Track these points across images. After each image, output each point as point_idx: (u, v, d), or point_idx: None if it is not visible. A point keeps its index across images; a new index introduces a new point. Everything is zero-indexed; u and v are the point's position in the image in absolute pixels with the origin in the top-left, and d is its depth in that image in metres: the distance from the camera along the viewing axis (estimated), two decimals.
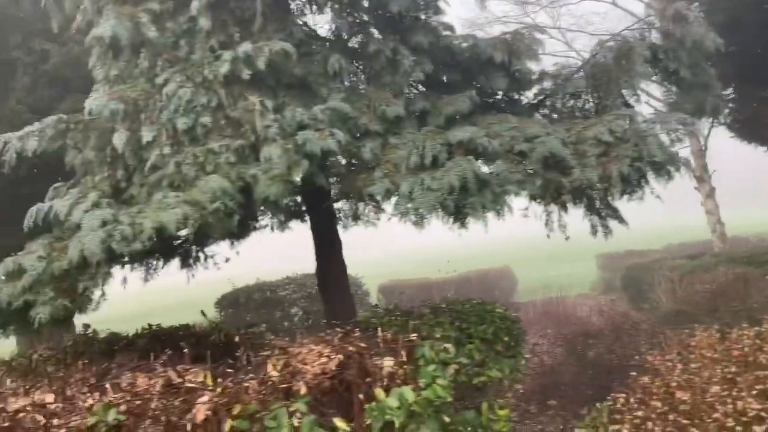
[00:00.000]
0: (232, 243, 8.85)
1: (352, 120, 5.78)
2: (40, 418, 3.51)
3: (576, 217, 6.95)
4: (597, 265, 19.14)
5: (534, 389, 8.16)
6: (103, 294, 5.12)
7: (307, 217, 8.11)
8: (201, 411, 3.69)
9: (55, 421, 3.69)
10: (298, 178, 5.08)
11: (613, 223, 6.88)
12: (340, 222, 8.10)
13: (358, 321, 6.37)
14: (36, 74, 10.71)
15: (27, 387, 4.49)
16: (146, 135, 5.64)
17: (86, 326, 6.68)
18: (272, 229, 8.93)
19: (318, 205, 7.36)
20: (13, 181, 9.83)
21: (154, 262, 7.83)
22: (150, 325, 6.87)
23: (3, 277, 5.27)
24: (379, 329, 4.83)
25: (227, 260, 9.63)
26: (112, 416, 3.24)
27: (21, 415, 3.78)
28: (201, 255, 8.52)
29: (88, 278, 4.91)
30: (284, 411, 3.42)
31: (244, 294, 14.95)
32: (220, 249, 8.75)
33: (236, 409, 3.68)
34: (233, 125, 5.79)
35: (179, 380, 4.09)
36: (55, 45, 10.75)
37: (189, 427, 3.38)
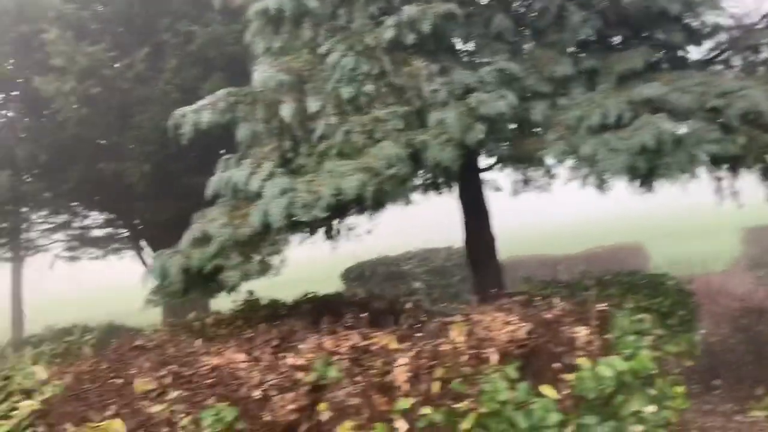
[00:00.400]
0: (371, 216, 8.91)
1: (518, 81, 5.55)
2: (254, 374, 3.64)
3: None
4: (741, 239, 17.65)
5: (696, 368, 7.63)
6: (283, 260, 5.27)
7: (442, 189, 7.98)
8: (402, 372, 3.69)
9: (255, 378, 3.85)
10: (473, 142, 4.94)
11: None
12: (488, 189, 7.88)
13: (520, 292, 6.18)
14: (182, 55, 11.24)
15: (218, 347, 4.72)
16: (312, 105, 5.71)
17: (250, 292, 6.95)
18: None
19: (468, 172, 7.20)
20: (168, 156, 10.48)
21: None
22: (307, 293, 7.05)
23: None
24: (555, 299, 4.66)
25: (369, 232, 9.75)
26: (332, 372, 3.29)
27: (215, 372, 3.99)
28: (341, 227, 8.64)
29: (270, 244, 5.07)
30: (501, 375, 3.33)
31: (368, 267, 15.20)
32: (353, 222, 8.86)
33: (438, 372, 3.65)
34: (395, 92, 5.73)
35: (365, 343, 4.13)
36: (199, 26, 11.23)
37: (401, 387, 3.37)
